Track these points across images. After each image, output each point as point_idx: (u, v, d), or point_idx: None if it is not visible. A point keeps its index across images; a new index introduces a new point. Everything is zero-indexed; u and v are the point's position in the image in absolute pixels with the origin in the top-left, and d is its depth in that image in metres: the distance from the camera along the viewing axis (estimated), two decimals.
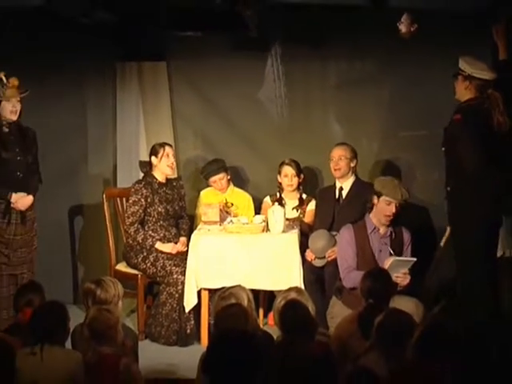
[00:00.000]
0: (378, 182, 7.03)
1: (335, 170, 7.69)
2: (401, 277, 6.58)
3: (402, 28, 6.79)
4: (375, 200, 6.90)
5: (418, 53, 7.61)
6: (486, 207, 6.55)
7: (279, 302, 5.62)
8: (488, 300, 6.46)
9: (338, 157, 7.65)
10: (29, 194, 7.30)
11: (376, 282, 5.86)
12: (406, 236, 7.01)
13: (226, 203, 7.78)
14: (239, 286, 5.85)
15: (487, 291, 6.55)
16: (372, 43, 7.94)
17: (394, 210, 6.85)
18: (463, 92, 6.68)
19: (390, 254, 6.81)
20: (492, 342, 5.10)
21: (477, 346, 5.07)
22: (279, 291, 7.19)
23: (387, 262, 6.64)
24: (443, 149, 6.95)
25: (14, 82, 7.18)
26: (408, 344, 4.95)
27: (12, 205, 7.20)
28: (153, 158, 7.64)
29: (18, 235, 7.27)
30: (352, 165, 7.66)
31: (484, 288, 6.54)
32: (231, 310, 5.49)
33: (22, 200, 7.24)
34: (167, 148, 7.63)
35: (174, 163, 7.69)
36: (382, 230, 6.93)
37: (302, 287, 6.59)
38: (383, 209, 6.86)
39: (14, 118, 7.22)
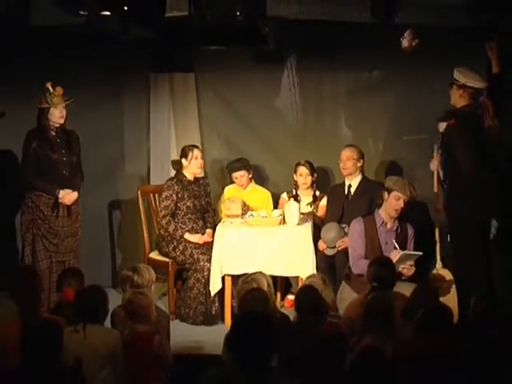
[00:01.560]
0: (390, 180, 7.05)
1: (343, 169, 7.68)
2: (406, 268, 6.60)
3: (405, 42, 6.78)
4: (385, 196, 6.91)
5: (419, 65, 7.58)
6: (478, 201, 6.58)
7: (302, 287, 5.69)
8: (483, 281, 6.50)
9: (346, 157, 7.64)
10: (74, 190, 7.34)
11: (381, 269, 5.91)
12: (410, 231, 7.02)
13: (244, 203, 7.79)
14: (260, 272, 5.89)
15: (482, 273, 6.59)
16: (378, 56, 7.93)
17: (402, 205, 6.86)
18: (458, 99, 6.71)
19: (395, 248, 6.82)
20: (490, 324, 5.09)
21: (476, 329, 5.08)
22: (294, 277, 7.31)
23: (396, 255, 6.65)
24: (440, 150, 6.97)
25: (59, 90, 7.23)
26: (394, 324, 4.99)
27: (59, 200, 7.25)
28: (183, 159, 7.64)
29: (64, 227, 7.32)
30: (359, 164, 7.64)
31: (479, 270, 6.59)
32: (253, 294, 5.52)
33: (68, 196, 7.29)
34: (195, 151, 7.64)
35: (202, 163, 7.72)
36: (390, 224, 6.94)
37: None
38: (393, 203, 6.87)
39: (62, 121, 7.26)
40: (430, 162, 7.31)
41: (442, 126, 7.16)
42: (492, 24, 6.54)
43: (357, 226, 6.98)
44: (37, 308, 5.64)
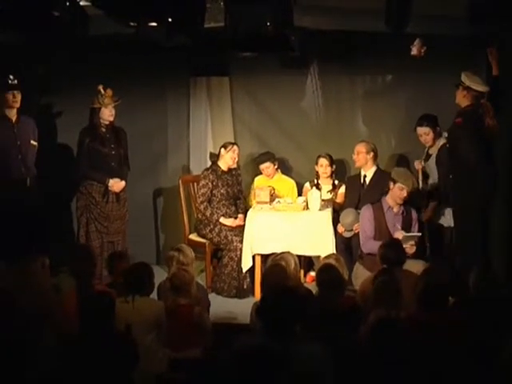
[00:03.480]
0: (395, 172, 7.07)
1: (355, 161, 7.73)
2: (408, 247, 6.60)
3: (414, 50, 6.79)
4: (391, 185, 6.93)
5: (427, 69, 7.53)
6: (479, 190, 6.60)
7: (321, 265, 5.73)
8: (481, 260, 6.52)
9: (357, 152, 7.66)
10: (121, 179, 7.43)
11: (390, 250, 5.93)
12: (414, 215, 7.03)
13: (271, 190, 7.81)
14: (288, 252, 5.92)
15: (481, 252, 6.64)
16: (390, 61, 7.91)
17: (405, 194, 6.87)
18: (461, 99, 6.73)
19: (402, 229, 6.86)
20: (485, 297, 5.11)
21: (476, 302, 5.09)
22: (316, 256, 7.34)
23: (399, 236, 6.69)
24: (447, 145, 6.99)
25: (109, 92, 7.30)
26: (400, 299, 5.01)
27: (109, 188, 7.34)
28: (222, 149, 7.69)
29: (114, 211, 7.41)
30: (368, 157, 7.63)
31: (480, 248, 6.63)
32: (272, 270, 5.60)
33: (116, 184, 7.38)
34: (235, 146, 7.70)
35: (237, 159, 7.73)
36: (396, 209, 6.96)
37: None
38: (397, 193, 6.89)
39: (111, 119, 7.36)
40: (415, 162, 7.50)
41: (420, 130, 7.34)
42: (491, 33, 6.54)
43: (366, 212, 7.01)
44: (92, 281, 5.71)
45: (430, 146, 7.39)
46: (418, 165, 7.45)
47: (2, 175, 7.02)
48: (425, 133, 7.33)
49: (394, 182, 6.90)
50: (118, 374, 3.94)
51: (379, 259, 5.92)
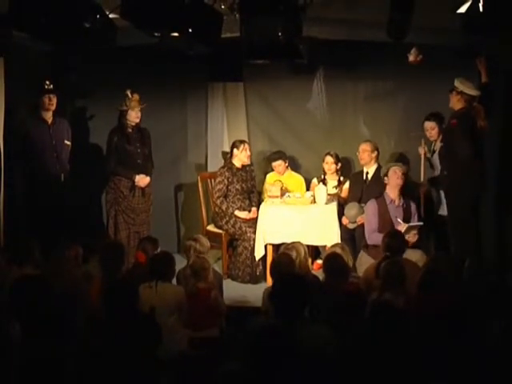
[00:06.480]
0: (382, 168, 7.21)
1: (360, 159, 7.72)
2: (411, 236, 6.60)
3: (411, 57, 6.80)
4: (386, 179, 6.98)
5: (423, 75, 7.51)
6: (472, 183, 6.63)
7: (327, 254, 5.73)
8: (474, 248, 6.54)
9: (362, 150, 7.65)
10: (147, 175, 7.44)
11: (393, 240, 5.92)
12: (413, 207, 7.05)
13: (282, 186, 7.80)
14: (299, 242, 5.92)
15: (474, 241, 6.64)
16: (390, 68, 7.88)
17: (400, 175, 6.95)
18: (455, 103, 6.75)
19: (403, 221, 6.84)
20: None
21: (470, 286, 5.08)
22: (322, 246, 7.33)
23: (402, 228, 6.67)
24: (442, 144, 6.97)
25: (136, 97, 7.32)
26: (406, 285, 5.00)
27: (135, 183, 7.35)
28: (235, 150, 7.67)
29: (139, 204, 7.43)
30: (373, 155, 7.62)
31: (473, 235, 6.66)
32: (280, 258, 5.60)
33: (142, 180, 7.39)
34: (245, 144, 7.69)
35: (250, 155, 7.73)
36: (397, 201, 6.96)
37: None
38: (393, 178, 6.96)
39: (137, 121, 7.37)
40: (419, 147, 7.47)
41: (428, 124, 7.35)
42: (481, 44, 6.53)
43: (371, 206, 7.01)
44: (120, 269, 5.67)
45: (435, 141, 7.38)
46: (421, 150, 7.44)
47: (40, 171, 7.07)
48: (431, 127, 7.35)
49: (387, 174, 6.97)
50: (144, 352, 3.95)
51: (383, 248, 5.91)
